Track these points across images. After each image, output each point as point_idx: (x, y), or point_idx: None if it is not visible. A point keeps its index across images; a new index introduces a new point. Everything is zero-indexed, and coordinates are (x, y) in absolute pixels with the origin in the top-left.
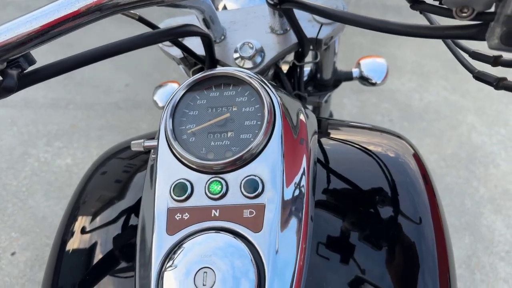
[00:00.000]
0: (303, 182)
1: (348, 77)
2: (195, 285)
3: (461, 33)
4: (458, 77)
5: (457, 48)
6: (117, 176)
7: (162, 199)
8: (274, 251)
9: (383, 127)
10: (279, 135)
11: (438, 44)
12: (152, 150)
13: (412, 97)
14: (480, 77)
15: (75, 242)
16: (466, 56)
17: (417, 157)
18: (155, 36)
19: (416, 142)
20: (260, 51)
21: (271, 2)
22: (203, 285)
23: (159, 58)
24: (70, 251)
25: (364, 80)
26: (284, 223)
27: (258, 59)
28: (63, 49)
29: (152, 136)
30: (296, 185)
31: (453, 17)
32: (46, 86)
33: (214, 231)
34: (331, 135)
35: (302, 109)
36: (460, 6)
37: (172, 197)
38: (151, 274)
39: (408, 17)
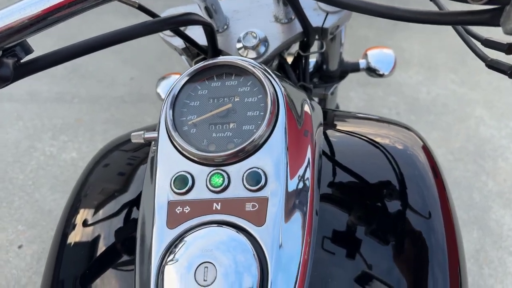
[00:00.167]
0: (308, 175)
1: (355, 68)
2: (196, 281)
3: (473, 18)
4: (466, 70)
5: (469, 36)
6: (118, 169)
7: (162, 192)
8: (278, 245)
9: (391, 119)
10: (283, 126)
11: (446, 37)
12: (153, 142)
13: (419, 90)
14: (493, 65)
15: (76, 235)
16: (478, 44)
17: (426, 149)
18: (156, 25)
19: (423, 135)
20: (264, 41)
21: None
22: (204, 280)
23: (164, 51)
24: (71, 244)
25: (371, 71)
26: (287, 217)
27: (262, 49)
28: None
29: (154, 128)
30: (300, 178)
31: (465, 1)
32: (51, 80)
33: (215, 225)
34: (337, 127)
35: (307, 100)
36: None
37: (172, 190)
38: (151, 269)
39: (415, 5)
